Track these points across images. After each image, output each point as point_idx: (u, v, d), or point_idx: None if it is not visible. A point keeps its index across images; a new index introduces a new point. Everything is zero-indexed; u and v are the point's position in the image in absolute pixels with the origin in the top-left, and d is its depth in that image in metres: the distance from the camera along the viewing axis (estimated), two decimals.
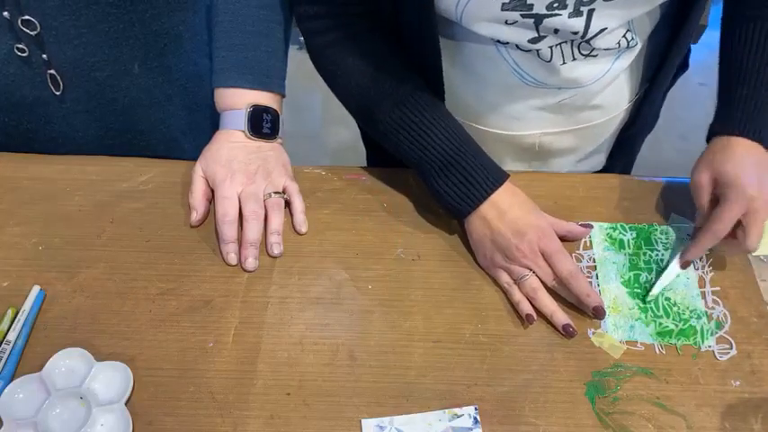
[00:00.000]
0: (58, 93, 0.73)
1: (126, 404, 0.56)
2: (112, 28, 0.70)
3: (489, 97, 0.71)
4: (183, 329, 0.61)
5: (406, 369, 0.59)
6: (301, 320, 0.62)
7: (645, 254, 0.68)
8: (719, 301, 0.64)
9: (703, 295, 0.65)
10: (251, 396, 0.57)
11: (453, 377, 0.59)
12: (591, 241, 0.69)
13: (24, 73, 0.71)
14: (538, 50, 0.64)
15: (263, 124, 0.70)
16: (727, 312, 0.64)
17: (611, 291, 0.65)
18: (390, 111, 0.67)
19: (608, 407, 0.57)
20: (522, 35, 0.62)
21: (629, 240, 0.69)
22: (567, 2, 0.58)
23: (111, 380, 0.57)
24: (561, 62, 0.65)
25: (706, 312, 0.64)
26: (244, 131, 0.69)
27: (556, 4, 0.58)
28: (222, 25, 0.71)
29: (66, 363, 0.57)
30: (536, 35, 0.62)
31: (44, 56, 0.69)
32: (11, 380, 0.57)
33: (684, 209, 0.72)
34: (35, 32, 0.67)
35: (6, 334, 0.59)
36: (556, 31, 0.61)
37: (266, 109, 0.71)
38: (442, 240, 0.69)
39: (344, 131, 2.06)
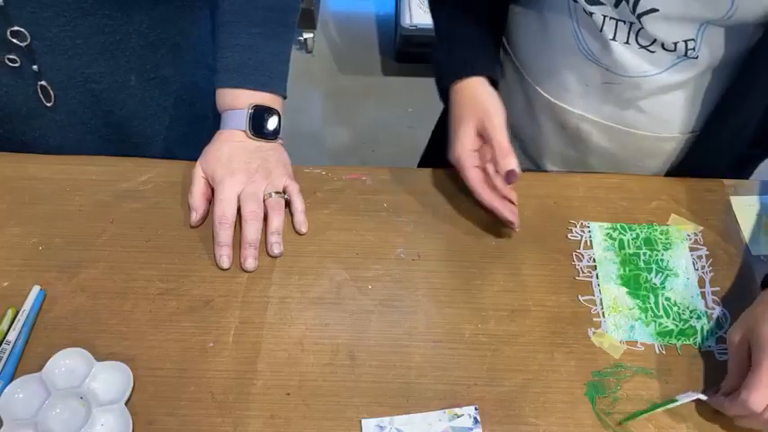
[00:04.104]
0: (48, 104, 0.72)
1: (126, 404, 0.56)
2: (109, 39, 0.69)
3: (548, 54, 0.74)
4: (183, 329, 0.61)
5: (406, 369, 0.59)
6: (301, 320, 0.62)
7: (645, 254, 0.68)
8: (719, 301, 0.64)
9: (703, 295, 0.65)
10: (251, 396, 0.57)
11: (453, 377, 0.59)
12: (591, 241, 0.69)
13: (17, 84, 0.70)
14: (592, 14, 0.65)
15: (264, 124, 0.70)
16: (727, 312, 0.64)
17: (611, 291, 0.65)
18: None
19: (608, 407, 0.57)
20: None
21: (629, 240, 0.69)
22: None
23: (111, 380, 0.57)
24: (611, 37, 0.65)
25: (706, 312, 0.64)
26: (245, 131, 0.69)
27: None
28: (227, 26, 0.71)
29: (67, 363, 0.57)
30: None
31: (34, 67, 0.69)
32: (11, 380, 0.57)
33: (684, 209, 0.72)
34: (25, 43, 0.66)
35: (6, 334, 0.59)
36: (617, 4, 0.62)
37: (268, 109, 0.71)
38: (442, 240, 0.69)
39: (344, 131, 2.06)
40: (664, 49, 0.64)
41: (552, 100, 0.76)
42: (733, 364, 0.56)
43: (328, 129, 2.08)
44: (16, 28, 0.65)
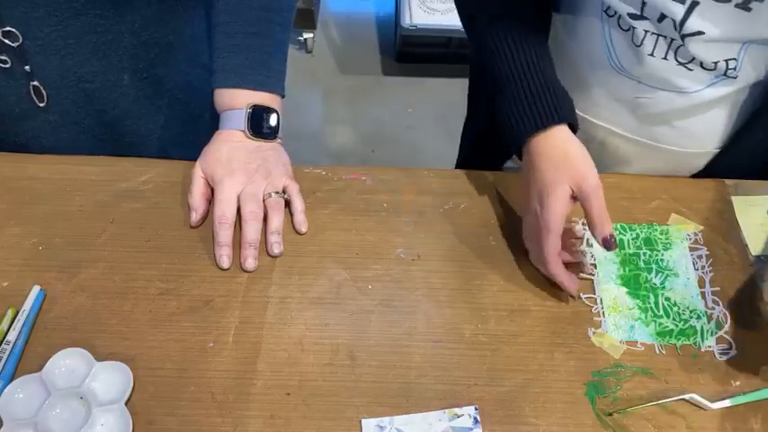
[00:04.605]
0: (41, 105, 0.72)
1: (126, 404, 0.56)
2: (101, 39, 0.69)
3: (578, 67, 0.72)
4: (183, 329, 0.61)
5: (406, 369, 0.59)
6: (301, 320, 0.62)
7: (645, 254, 0.68)
8: (719, 301, 0.64)
9: (703, 295, 0.65)
10: (251, 396, 0.57)
11: (453, 377, 0.59)
12: (591, 241, 0.69)
13: (9, 85, 0.70)
14: (633, 29, 0.63)
15: (263, 124, 0.70)
16: (727, 312, 0.64)
17: (611, 291, 0.65)
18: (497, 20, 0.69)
19: (608, 407, 0.57)
20: (627, 5, 0.62)
21: (629, 240, 0.69)
22: None
23: (111, 380, 0.57)
24: (650, 52, 0.64)
25: (706, 312, 0.64)
26: (244, 131, 0.69)
27: None
28: (223, 26, 0.71)
29: (67, 363, 0.57)
30: (639, 12, 0.62)
31: (26, 67, 0.68)
32: (11, 380, 0.57)
33: (684, 208, 0.72)
34: (17, 44, 0.66)
35: (6, 334, 0.59)
36: (660, 19, 0.61)
37: (267, 109, 0.71)
38: (442, 240, 0.69)
39: (344, 131, 2.06)
40: (702, 67, 0.64)
41: (580, 114, 0.74)
42: None
43: (328, 129, 2.08)
44: (8, 28, 0.65)
